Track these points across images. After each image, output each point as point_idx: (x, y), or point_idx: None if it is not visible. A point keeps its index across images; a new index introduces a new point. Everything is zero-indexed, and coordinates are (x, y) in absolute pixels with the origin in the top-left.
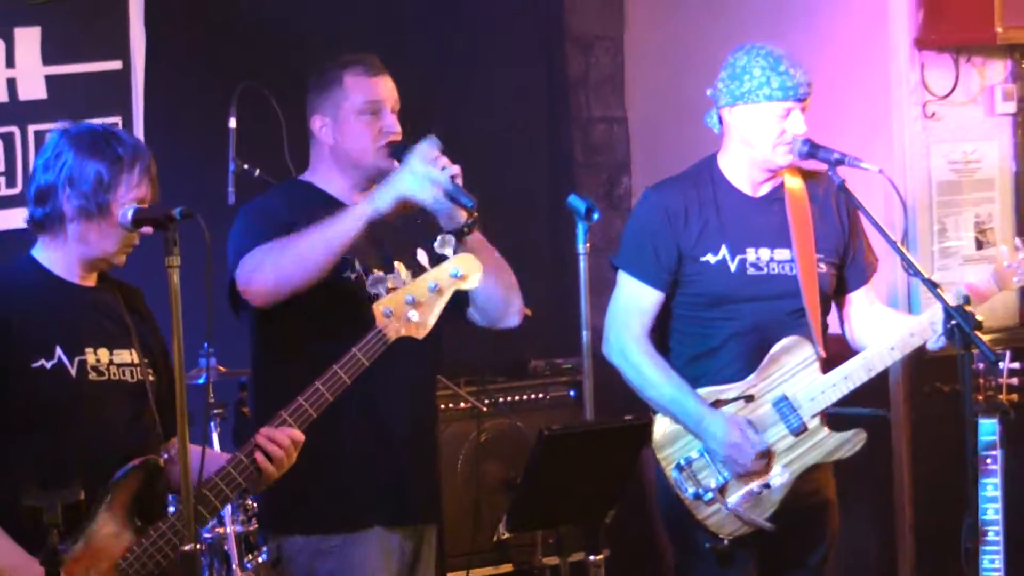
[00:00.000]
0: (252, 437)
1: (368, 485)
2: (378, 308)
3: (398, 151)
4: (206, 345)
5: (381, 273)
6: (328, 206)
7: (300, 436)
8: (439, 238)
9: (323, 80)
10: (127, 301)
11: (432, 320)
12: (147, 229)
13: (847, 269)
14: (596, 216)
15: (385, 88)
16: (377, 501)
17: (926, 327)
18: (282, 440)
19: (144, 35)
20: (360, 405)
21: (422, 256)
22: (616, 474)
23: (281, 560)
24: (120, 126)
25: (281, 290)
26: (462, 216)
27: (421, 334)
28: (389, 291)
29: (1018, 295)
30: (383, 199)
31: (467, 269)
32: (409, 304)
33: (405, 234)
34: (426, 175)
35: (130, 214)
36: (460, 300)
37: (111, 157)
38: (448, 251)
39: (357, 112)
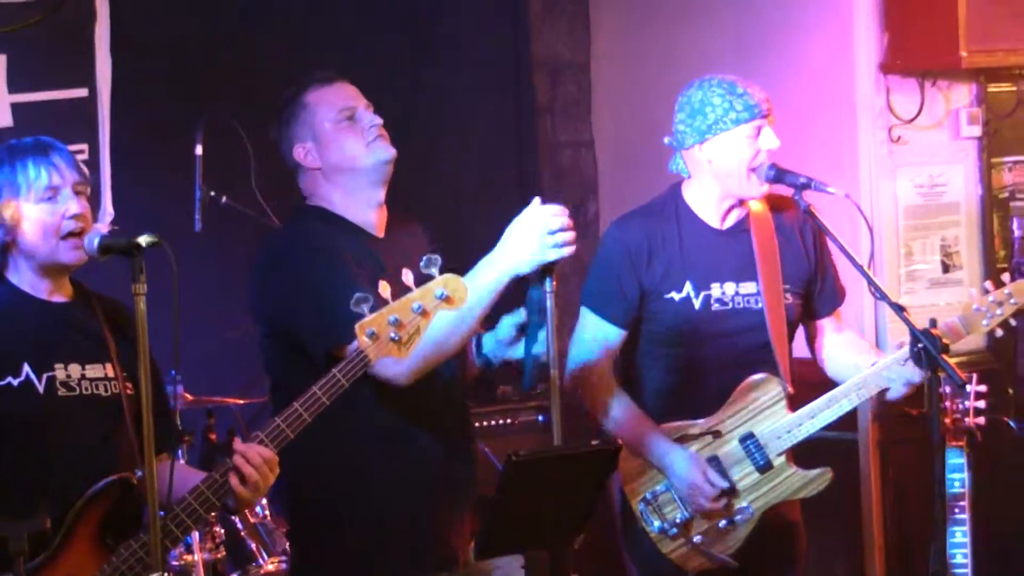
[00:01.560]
0: (226, 459)
1: (386, 533)
2: (361, 328)
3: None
4: (173, 372)
5: (364, 293)
6: (355, 233)
7: (272, 456)
8: (425, 258)
9: (287, 110)
10: (108, 315)
11: (416, 340)
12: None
13: (815, 298)
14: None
15: (351, 91)
16: (394, 550)
17: (893, 365)
18: (254, 458)
19: (110, 62)
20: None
21: (407, 276)
22: (585, 499)
23: None
24: (87, 153)
25: (425, 373)
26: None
27: (403, 354)
28: (371, 311)
29: None
30: (525, 262)
31: (453, 291)
32: (392, 325)
33: (391, 253)
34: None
35: (96, 242)
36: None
37: (6, 165)
38: (434, 271)
39: (333, 124)
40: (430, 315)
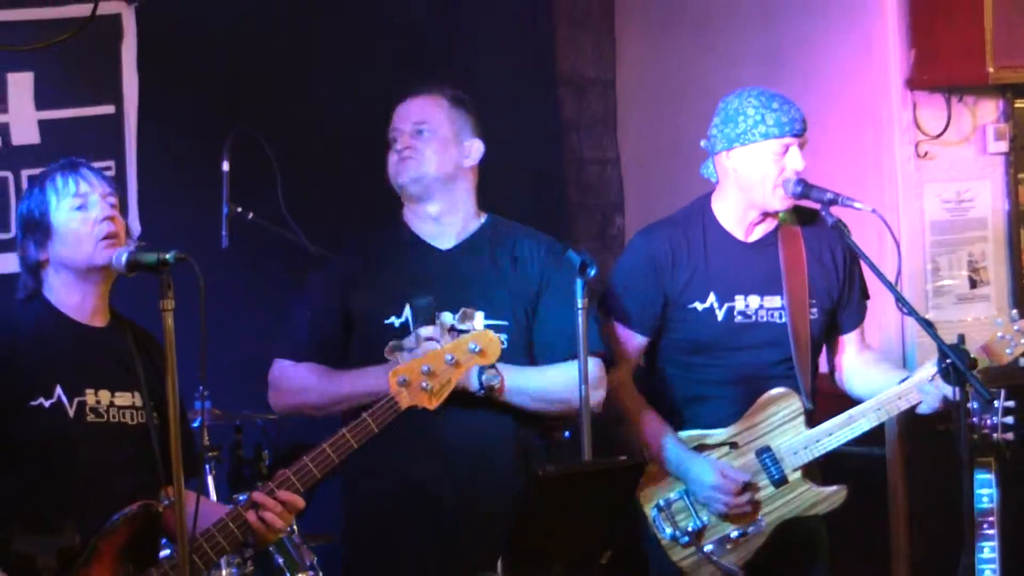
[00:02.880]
0: (251, 493)
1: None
2: (393, 376)
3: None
4: (200, 388)
5: (399, 341)
6: (407, 243)
7: (299, 502)
8: (461, 312)
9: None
10: (139, 343)
11: (447, 392)
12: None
13: (841, 313)
14: (592, 271)
15: (405, 109)
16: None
17: (913, 392)
18: (273, 505)
19: (137, 79)
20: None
21: (442, 328)
22: (611, 515)
23: None
24: (113, 170)
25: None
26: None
27: (433, 405)
28: (415, 319)
29: None
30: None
31: (486, 346)
32: (424, 374)
33: (443, 255)
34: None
35: (124, 258)
36: None
37: (36, 187)
38: (468, 325)
39: (389, 141)
40: (462, 367)
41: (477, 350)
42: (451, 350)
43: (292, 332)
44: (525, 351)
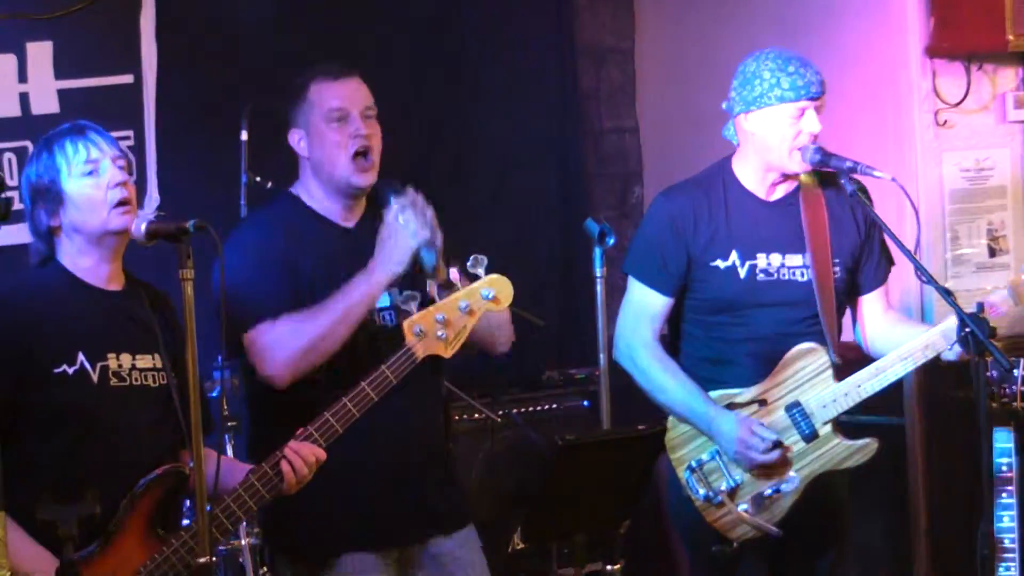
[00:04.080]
0: (276, 451)
1: (343, 508)
2: (408, 326)
3: (382, 192)
4: (220, 358)
5: (413, 291)
6: (314, 223)
7: (322, 454)
8: (472, 258)
9: (293, 92)
10: (155, 305)
11: (461, 339)
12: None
13: (862, 271)
14: (611, 240)
15: (351, 91)
16: (350, 525)
17: (939, 339)
18: (307, 456)
19: (156, 49)
20: (364, 426)
21: (454, 275)
22: (631, 483)
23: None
24: (132, 139)
25: (304, 373)
26: (443, 275)
27: (449, 353)
28: (420, 308)
29: None
30: (397, 262)
31: (500, 291)
32: (439, 323)
33: (359, 243)
34: (412, 237)
35: (143, 227)
36: None
37: (44, 151)
38: (480, 271)
39: (325, 121)
40: (476, 314)
41: (491, 296)
42: (465, 297)
43: (256, 299)
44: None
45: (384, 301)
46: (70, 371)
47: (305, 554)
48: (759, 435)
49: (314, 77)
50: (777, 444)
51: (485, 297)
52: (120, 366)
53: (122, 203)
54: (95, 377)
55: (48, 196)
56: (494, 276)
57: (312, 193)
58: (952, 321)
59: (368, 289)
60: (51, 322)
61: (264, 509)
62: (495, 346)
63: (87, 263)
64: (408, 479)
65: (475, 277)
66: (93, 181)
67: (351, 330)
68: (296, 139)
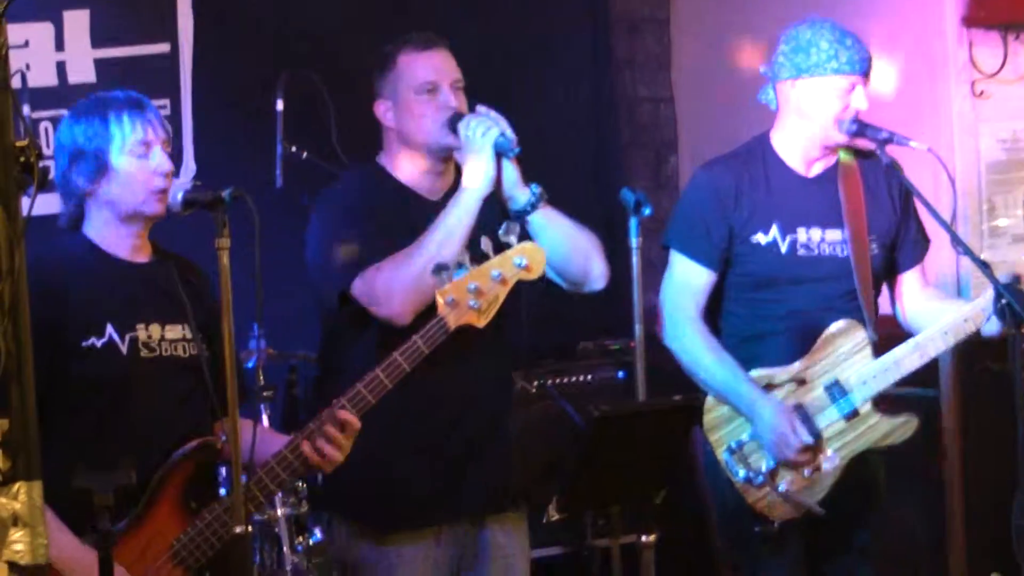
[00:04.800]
0: (310, 421)
1: (409, 485)
2: (440, 296)
3: (453, 122)
4: (256, 327)
5: (443, 261)
6: (399, 195)
7: (357, 423)
8: (504, 225)
9: (380, 63)
10: (183, 275)
11: (494, 309)
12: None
13: (899, 249)
14: (647, 211)
15: (440, 63)
16: (414, 503)
17: (979, 313)
18: (342, 424)
19: (192, 18)
20: (426, 400)
21: (486, 244)
22: (666, 455)
23: (329, 536)
24: (168, 109)
25: (419, 307)
26: (525, 194)
27: (482, 323)
28: (452, 279)
29: None
30: (484, 180)
31: (532, 258)
32: (471, 292)
33: (435, 208)
34: (484, 138)
35: (180, 196)
36: None
37: (98, 115)
38: (512, 239)
39: (414, 92)
40: (508, 283)
41: (524, 264)
42: (497, 265)
43: (357, 248)
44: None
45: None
46: (99, 343)
47: (362, 522)
48: (798, 433)
49: (402, 47)
50: (811, 448)
51: (518, 265)
52: (150, 337)
53: (162, 191)
54: (124, 348)
55: (92, 162)
56: (526, 244)
57: (399, 164)
58: (990, 294)
59: (464, 205)
60: (78, 295)
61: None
62: (587, 279)
63: (114, 236)
64: (471, 458)
65: (507, 245)
66: (141, 164)
67: (456, 254)
68: (383, 110)
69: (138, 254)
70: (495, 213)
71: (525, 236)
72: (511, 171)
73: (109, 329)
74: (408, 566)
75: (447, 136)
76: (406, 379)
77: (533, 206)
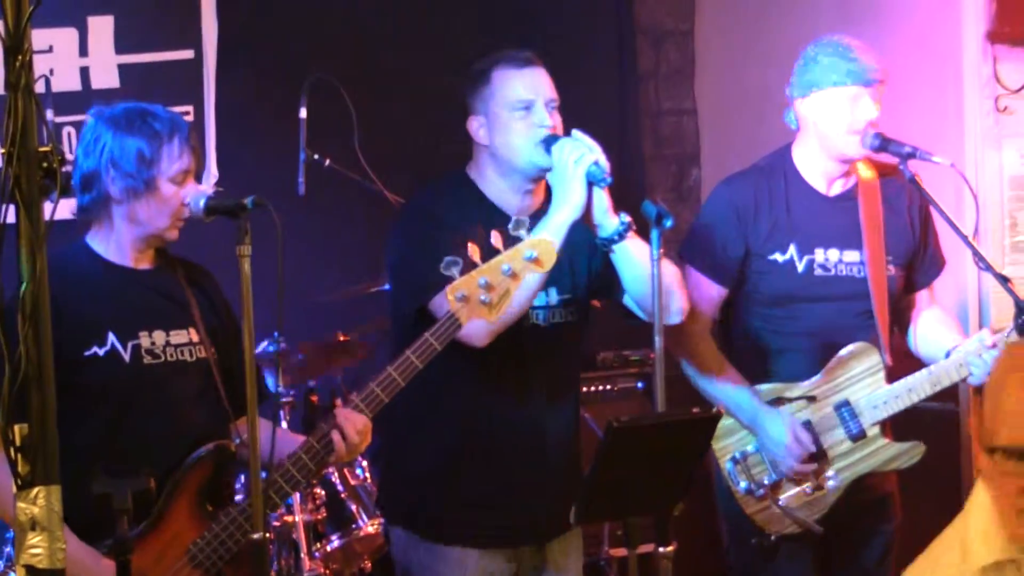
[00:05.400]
0: (322, 423)
1: (468, 504)
2: (451, 292)
3: (548, 143)
4: (276, 334)
5: (454, 256)
6: (484, 210)
7: (368, 423)
8: (513, 220)
9: (472, 78)
10: (190, 278)
11: (505, 304)
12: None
13: (915, 272)
14: (669, 223)
15: (535, 81)
16: (474, 520)
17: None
18: (357, 423)
19: (216, 25)
20: (495, 421)
21: (496, 238)
22: (684, 466)
23: (388, 542)
24: (192, 115)
25: (504, 326)
26: (614, 223)
27: (492, 318)
28: (462, 273)
29: None
30: (574, 208)
31: (542, 253)
32: (482, 287)
33: (480, 216)
34: (578, 164)
35: (202, 203)
36: (613, 286)
37: (149, 133)
38: (522, 233)
39: (508, 110)
40: (519, 277)
41: (533, 257)
42: (507, 260)
43: (427, 276)
44: (580, 328)
45: (540, 300)
46: (101, 352)
47: (418, 531)
48: (803, 443)
49: (497, 64)
50: (815, 456)
51: (528, 259)
52: (153, 343)
53: (183, 220)
54: (127, 356)
55: (137, 181)
56: (536, 238)
57: (488, 181)
58: (973, 344)
59: (555, 233)
60: (79, 305)
61: (388, 473)
62: (667, 312)
63: (121, 247)
64: (537, 480)
65: (517, 239)
66: (175, 191)
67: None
68: (476, 127)
69: (140, 262)
70: (583, 237)
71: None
72: (601, 199)
73: (111, 338)
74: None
75: (540, 156)
76: (478, 400)
77: (621, 236)
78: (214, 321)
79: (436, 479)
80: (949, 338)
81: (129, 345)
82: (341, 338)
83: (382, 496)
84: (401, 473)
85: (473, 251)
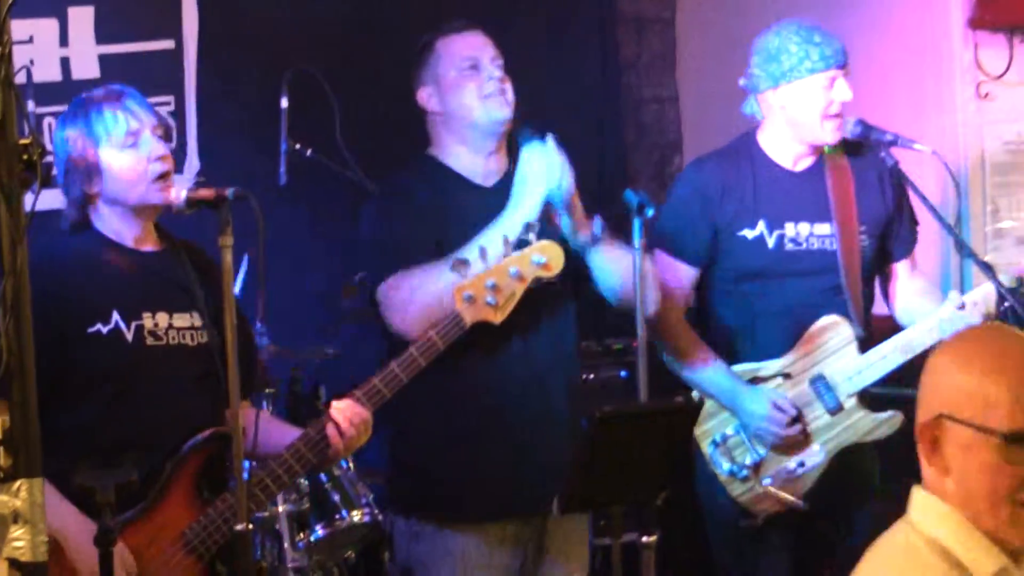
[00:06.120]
0: (323, 414)
1: (470, 478)
2: (458, 292)
3: (523, 135)
4: (258, 324)
5: (462, 256)
6: (451, 183)
7: (368, 417)
8: (523, 224)
9: (418, 52)
10: (194, 262)
11: (511, 305)
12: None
13: (893, 239)
14: (650, 211)
15: (477, 41)
16: (476, 495)
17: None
18: (353, 417)
19: (197, 14)
20: (482, 390)
21: (505, 242)
22: (667, 455)
23: (392, 537)
24: (172, 105)
25: (430, 324)
26: (586, 234)
27: (499, 319)
28: (470, 274)
29: None
30: (526, 208)
31: (551, 257)
32: (489, 289)
33: (499, 202)
34: (537, 181)
35: (183, 194)
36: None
37: (80, 118)
38: (531, 236)
39: (456, 71)
40: (527, 280)
41: (542, 261)
42: (515, 263)
43: (389, 252)
44: (572, 291)
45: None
46: (104, 330)
47: (418, 512)
48: (782, 408)
49: (439, 34)
50: (797, 419)
51: (536, 263)
52: (156, 325)
53: (161, 177)
54: (130, 336)
55: (85, 165)
56: (545, 242)
57: (448, 152)
58: (982, 289)
59: (495, 239)
60: (85, 283)
61: (390, 461)
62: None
63: (120, 227)
64: (534, 454)
65: (525, 243)
66: (133, 154)
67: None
68: (425, 96)
69: (145, 243)
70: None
71: (543, 235)
72: (569, 217)
73: (115, 316)
74: (473, 547)
75: (496, 108)
76: (462, 372)
77: (594, 242)
78: (218, 305)
79: (433, 458)
80: (930, 308)
81: (132, 325)
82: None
83: (388, 489)
84: (398, 459)
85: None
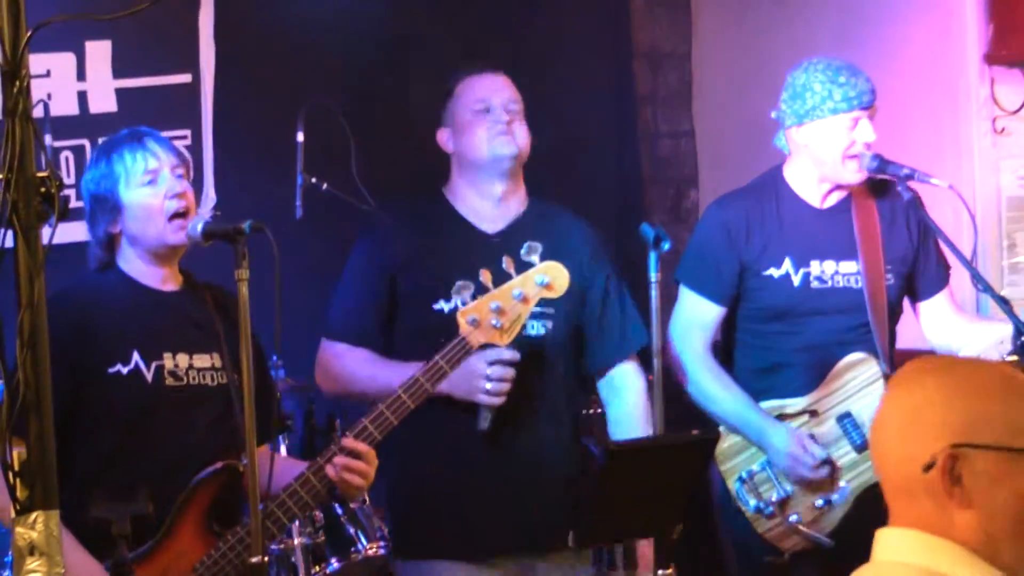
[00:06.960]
0: (332, 445)
1: (458, 516)
2: (462, 316)
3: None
4: (274, 357)
5: (465, 281)
6: (455, 227)
7: (369, 449)
8: (526, 245)
9: (442, 93)
10: (217, 303)
11: (516, 328)
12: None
13: (921, 276)
14: (666, 245)
15: (493, 84)
16: (451, 534)
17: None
18: (363, 449)
19: (214, 48)
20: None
21: (507, 263)
22: (683, 489)
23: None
24: (189, 139)
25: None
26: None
27: (504, 342)
28: (474, 298)
29: None
30: (457, 393)
31: (554, 277)
32: (494, 312)
33: (502, 248)
34: (475, 385)
35: (200, 228)
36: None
37: (103, 159)
38: (534, 258)
39: (470, 113)
40: (531, 302)
41: (545, 282)
42: (519, 285)
43: (342, 313)
44: (568, 341)
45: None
46: (124, 371)
47: (405, 549)
48: (810, 451)
49: (459, 74)
50: (827, 461)
51: (539, 284)
52: (176, 365)
53: (178, 215)
54: (149, 376)
55: (107, 205)
56: (548, 263)
57: (459, 193)
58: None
59: (417, 393)
60: (106, 322)
61: (391, 501)
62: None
63: (143, 267)
64: (522, 495)
65: (529, 265)
66: (151, 191)
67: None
68: (444, 137)
69: (167, 283)
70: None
71: (547, 256)
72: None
73: (135, 357)
74: None
75: (500, 146)
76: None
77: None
78: (237, 346)
79: (422, 494)
80: (988, 328)
81: (153, 365)
82: None
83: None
84: (393, 497)
85: (485, 276)
